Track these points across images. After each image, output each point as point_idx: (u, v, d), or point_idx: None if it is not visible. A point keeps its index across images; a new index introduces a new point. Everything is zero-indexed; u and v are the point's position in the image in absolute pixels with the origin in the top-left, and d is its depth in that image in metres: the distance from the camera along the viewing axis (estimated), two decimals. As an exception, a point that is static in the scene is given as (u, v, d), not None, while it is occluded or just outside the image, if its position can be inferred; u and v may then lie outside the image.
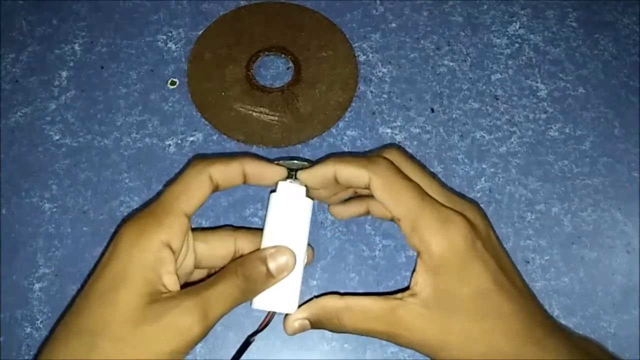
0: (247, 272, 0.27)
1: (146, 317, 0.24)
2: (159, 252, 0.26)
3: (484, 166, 0.40)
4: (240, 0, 0.47)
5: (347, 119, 0.42)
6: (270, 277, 0.28)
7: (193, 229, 0.29)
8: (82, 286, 0.27)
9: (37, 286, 0.36)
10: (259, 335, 0.30)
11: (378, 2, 0.47)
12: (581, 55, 0.45)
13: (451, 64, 0.45)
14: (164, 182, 0.39)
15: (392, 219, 0.29)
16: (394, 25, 0.46)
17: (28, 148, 0.40)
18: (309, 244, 0.30)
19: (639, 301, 0.36)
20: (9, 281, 0.36)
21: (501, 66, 0.45)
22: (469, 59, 0.45)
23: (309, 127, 0.41)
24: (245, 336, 0.30)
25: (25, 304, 0.35)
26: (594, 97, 0.43)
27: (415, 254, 0.27)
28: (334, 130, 0.41)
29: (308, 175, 0.29)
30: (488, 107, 0.43)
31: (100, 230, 0.38)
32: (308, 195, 0.30)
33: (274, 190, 0.30)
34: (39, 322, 0.35)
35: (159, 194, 0.39)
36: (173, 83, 0.43)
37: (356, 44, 0.45)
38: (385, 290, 0.36)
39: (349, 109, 0.42)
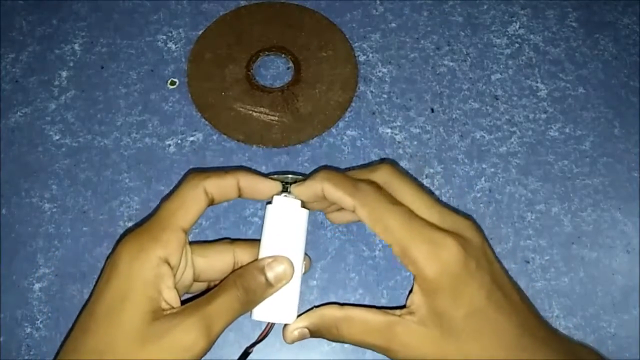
0: (246, 284, 0.27)
1: (150, 336, 0.25)
2: (158, 268, 0.26)
3: (484, 166, 0.40)
4: (240, 0, 0.47)
5: (347, 119, 0.42)
6: (269, 287, 0.28)
7: (191, 243, 0.30)
8: (86, 303, 0.27)
9: (37, 286, 0.36)
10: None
11: (378, 2, 0.47)
12: (581, 55, 0.45)
13: (451, 64, 0.45)
14: (164, 182, 0.39)
15: None
16: (394, 25, 0.46)
17: (28, 148, 0.40)
18: (305, 254, 0.30)
19: (639, 301, 0.36)
20: (9, 281, 0.36)
21: (501, 66, 0.45)
22: (469, 59, 0.45)
23: (309, 127, 0.41)
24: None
25: (25, 304, 0.35)
26: (594, 97, 0.43)
27: None
28: (334, 130, 0.41)
29: (301, 190, 0.30)
30: (488, 107, 0.43)
31: (100, 230, 0.38)
32: (303, 206, 0.30)
33: (270, 202, 0.30)
34: (39, 322, 0.35)
35: (158, 194, 0.39)
36: (173, 83, 0.43)
37: (356, 44, 0.45)
38: (385, 290, 0.36)
39: (349, 109, 0.42)
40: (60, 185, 0.39)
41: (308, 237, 0.30)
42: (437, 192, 0.39)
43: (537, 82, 0.44)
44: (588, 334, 0.35)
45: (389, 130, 0.42)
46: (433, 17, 0.47)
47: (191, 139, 0.41)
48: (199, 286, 0.31)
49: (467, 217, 0.29)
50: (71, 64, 0.44)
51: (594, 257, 0.38)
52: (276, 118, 0.41)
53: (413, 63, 0.45)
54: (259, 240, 0.30)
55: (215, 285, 0.28)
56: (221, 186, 0.29)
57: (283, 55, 0.44)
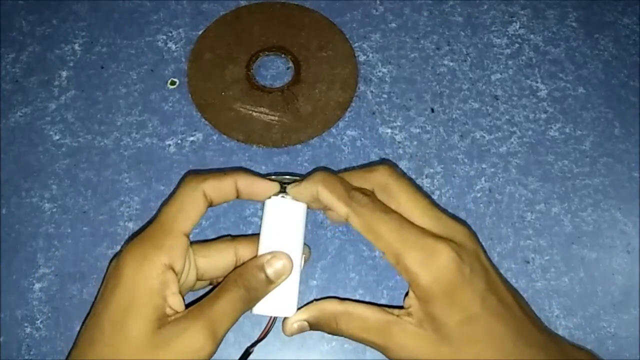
0: (247, 282, 0.28)
1: (158, 344, 0.25)
2: (163, 276, 0.26)
3: (484, 166, 0.40)
4: (240, 0, 0.47)
5: (347, 119, 0.42)
6: (269, 283, 0.28)
7: (192, 243, 0.30)
8: (90, 311, 0.28)
9: (37, 286, 0.36)
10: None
11: (378, 2, 0.47)
12: (581, 55, 0.45)
13: (451, 64, 0.45)
14: (164, 182, 0.39)
15: None
16: (394, 25, 0.46)
17: (28, 148, 0.40)
18: (305, 244, 0.31)
19: (639, 301, 0.36)
20: (9, 281, 0.36)
21: (501, 66, 0.45)
22: (469, 59, 0.45)
23: (309, 127, 0.41)
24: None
25: (25, 304, 0.35)
26: (594, 97, 0.43)
27: None
28: (334, 130, 0.41)
29: (297, 191, 0.30)
30: (488, 107, 0.43)
31: (100, 230, 0.38)
32: None
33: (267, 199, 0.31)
34: (39, 322, 0.35)
35: (158, 194, 0.39)
36: (173, 83, 0.43)
37: (356, 44, 0.45)
38: (385, 290, 0.36)
39: (349, 109, 0.42)
40: (60, 185, 0.39)
41: (308, 235, 0.31)
42: (437, 192, 0.39)
43: (537, 82, 0.44)
44: (588, 334, 0.35)
45: (389, 130, 0.42)
46: (433, 17, 0.47)
47: (191, 139, 0.41)
48: (203, 284, 0.32)
49: (462, 222, 0.29)
50: (71, 64, 0.44)
51: (594, 257, 0.38)
52: (276, 118, 0.41)
53: (413, 63, 0.45)
54: (259, 235, 0.30)
55: (219, 283, 0.28)
56: (219, 188, 0.29)
57: (283, 55, 0.44)
